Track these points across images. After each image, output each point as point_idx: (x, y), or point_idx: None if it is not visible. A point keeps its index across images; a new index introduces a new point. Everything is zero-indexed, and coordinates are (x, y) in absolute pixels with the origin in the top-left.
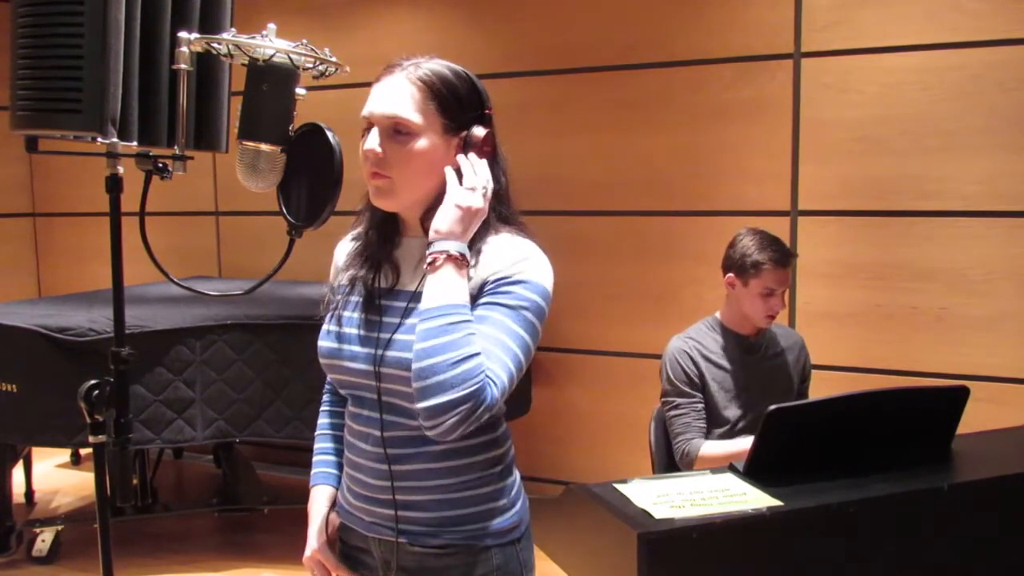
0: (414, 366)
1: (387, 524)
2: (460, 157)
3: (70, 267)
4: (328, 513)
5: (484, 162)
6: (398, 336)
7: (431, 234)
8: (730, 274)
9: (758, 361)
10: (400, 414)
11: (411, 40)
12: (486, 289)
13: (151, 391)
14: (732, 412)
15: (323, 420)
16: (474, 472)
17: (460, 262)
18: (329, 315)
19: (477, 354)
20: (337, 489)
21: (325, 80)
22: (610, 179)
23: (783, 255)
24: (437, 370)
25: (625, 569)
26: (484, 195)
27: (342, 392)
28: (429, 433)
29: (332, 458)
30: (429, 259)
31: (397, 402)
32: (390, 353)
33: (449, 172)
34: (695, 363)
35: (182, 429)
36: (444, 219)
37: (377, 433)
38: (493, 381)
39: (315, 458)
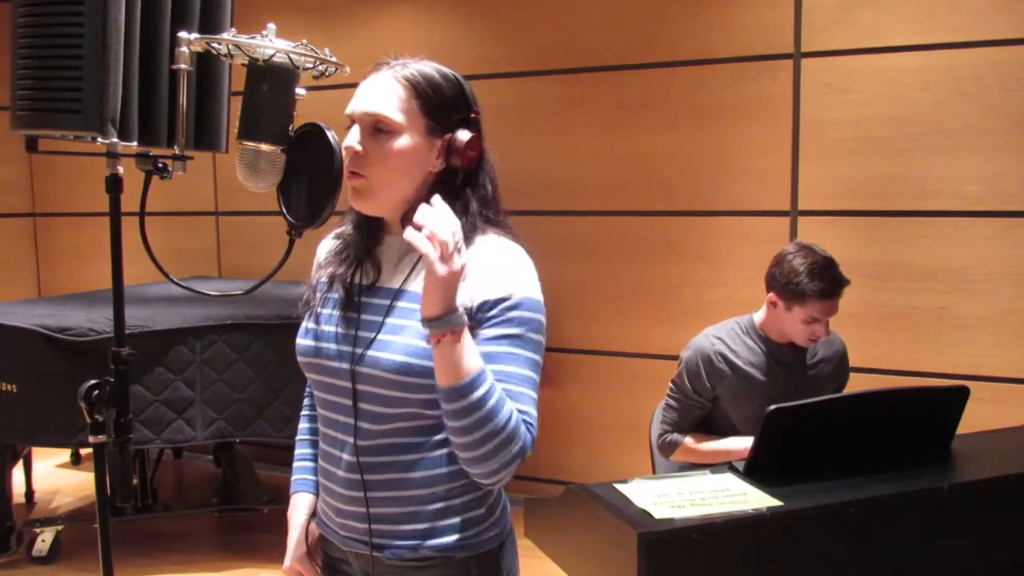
0: (460, 440)
1: (362, 538)
2: (421, 211)
3: (70, 267)
4: (307, 522)
5: (445, 206)
6: (379, 336)
7: (423, 322)
8: (772, 293)
9: (788, 373)
10: (370, 420)
11: (411, 40)
12: (486, 319)
13: (151, 391)
14: (748, 422)
15: (304, 425)
16: (449, 482)
17: (463, 329)
18: (308, 313)
19: (512, 409)
20: (317, 496)
21: (325, 80)
22: (610, 179)
23: (833, 286)
24: (487, 440)
25: (625, 569)
26: (458, 246)
27: (317, 394)
28: (484, 483)
29: (312, 464)
30: (433, 341)
31: (368, 407)
32: (369, 352)
33: (422, 242)
34: (714, 371)
35: (182, 429)
36: (433, 302)
37: (350, 440)
38: (530, 423)
39: (295, 464)
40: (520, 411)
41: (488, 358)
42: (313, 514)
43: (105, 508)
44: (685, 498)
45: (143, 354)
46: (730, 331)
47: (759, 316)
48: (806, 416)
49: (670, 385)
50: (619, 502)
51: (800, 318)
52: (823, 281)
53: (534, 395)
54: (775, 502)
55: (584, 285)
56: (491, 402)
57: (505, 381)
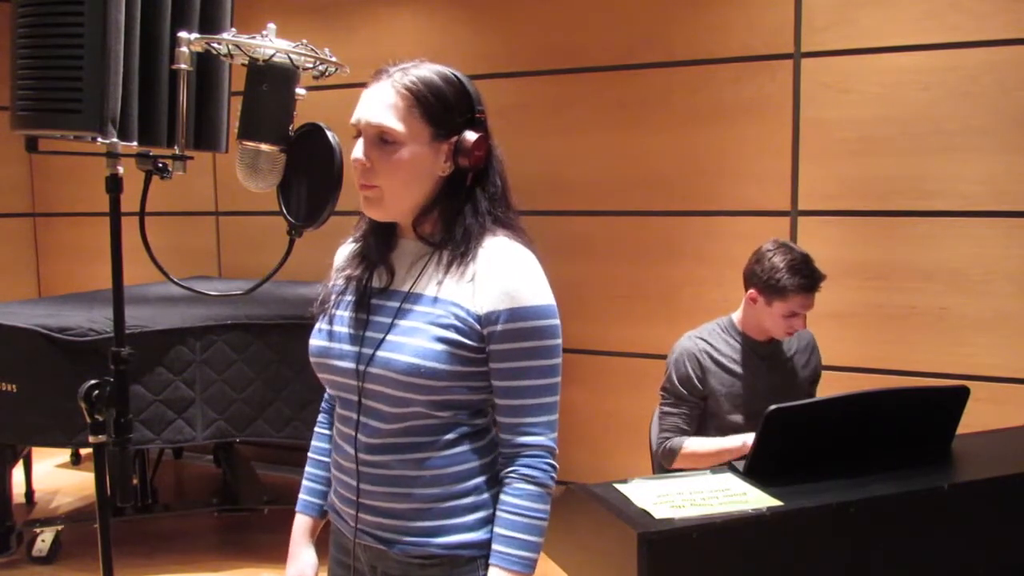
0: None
1: (370, 531)
2: None
3: (70, 267)
4: (305, 550)
5: None
6: (388, 337)
7: None
8: (753, 289)
9: (770, 367)
10: (379, 419)
11: (411, 40)
12: (496, 333)
13: (151, 391)
14: (737, 418)
15: (316, 443)
16: (458, 482)
17: None
18: (323, 315)
19: (534, 512)
20: (317, 519)
21: (325, 80)
22: (610, 179)
23: (812, 281)
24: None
25: (625, 569)
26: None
27: (331, 393)
28: None
29: (319, 487)
30: None
31: (377, 406)
32: (378, 353)
33: None
34: (702, 368)
35: (182, 429)
36: None
37: (360, 437)
38: (544, 456)
39: (304, 481)
40: (535, 452)
41: (503, 375)
42: (315, 534)
43: (105, 508)
44: (685, 498)
45: (143, 354)
46: (711, 331)
47: (737, 315)
48: (806, 416)
49: (661, 393)
50: (619, 502)
51: (780, 313)
52: (803, 276)
53: (552, 416)
54: (775, 502)
55: (584, 285)
56: (539, 539)
57: (522, 411)
